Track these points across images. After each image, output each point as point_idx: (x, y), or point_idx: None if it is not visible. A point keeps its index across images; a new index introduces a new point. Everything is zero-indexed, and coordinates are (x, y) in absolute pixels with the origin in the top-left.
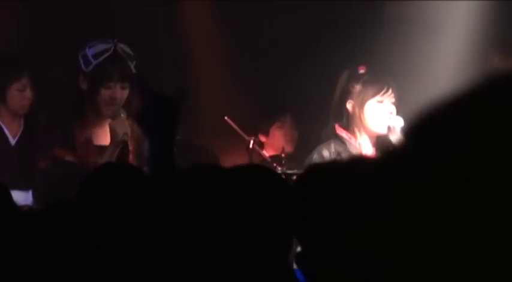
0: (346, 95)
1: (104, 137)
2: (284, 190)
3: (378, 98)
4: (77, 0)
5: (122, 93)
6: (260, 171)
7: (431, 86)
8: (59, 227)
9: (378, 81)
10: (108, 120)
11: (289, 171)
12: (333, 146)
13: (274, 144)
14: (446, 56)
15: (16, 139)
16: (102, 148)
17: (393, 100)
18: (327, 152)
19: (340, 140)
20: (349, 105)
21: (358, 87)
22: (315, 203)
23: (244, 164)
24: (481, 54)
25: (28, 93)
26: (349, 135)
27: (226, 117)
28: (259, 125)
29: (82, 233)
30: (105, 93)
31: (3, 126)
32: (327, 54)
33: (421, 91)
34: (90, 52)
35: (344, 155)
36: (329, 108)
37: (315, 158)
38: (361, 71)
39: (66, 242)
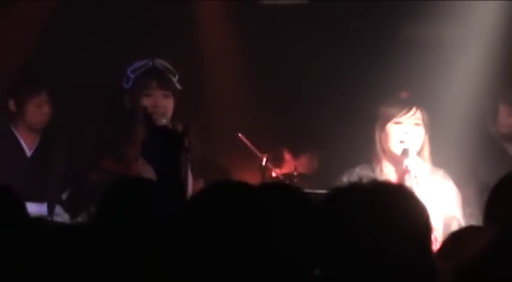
0: (375, 118)
1: None
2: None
3: (396, 119)
4: (93, 16)
5: (164, 101)
6: (287, 189)
7: (450, 106)
8: (71, 241)
9: (398, 103)
10: None
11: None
12: (357, 170)
13: (297, 164)
14: (464, 76)
15: (32, 152)
16: None
17: (417, 121)
18: (350, 176)
19: (369, 164)
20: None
21: (381, 109)
22: (339, 227)
23: (272, 182)
24: (499, 74)
25: (46, 109)
26: (375, 159)
27: (240, 134)
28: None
29: (94, 248)
30: (146, 102)
31: (20, 139)
32: (343, 72)
33: (440, 111)
34: (129, 70)
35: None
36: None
37: (344, 179)
38: (403, 94)
39: (76, 257)
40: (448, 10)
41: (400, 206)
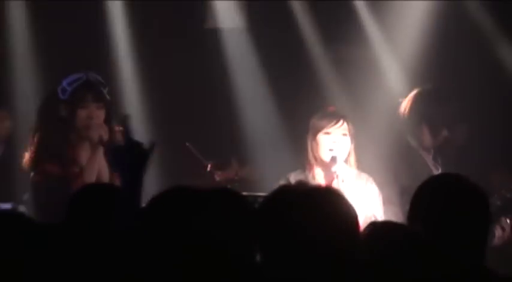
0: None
1: (86, 157)
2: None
3: (325, 130)
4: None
5: (97, 112)
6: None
7: (374, 118)
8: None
9: (327, 116)
10: (86, 140)
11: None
12: (293, 175)
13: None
14: (385, 93)
15: None
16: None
17: (344, 132)
18: (286, 181)
19: (303, 170)
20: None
21: (312, 122)
22: (277, 221)
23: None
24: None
25: (7, 123)
26: (308, 166)
27: (187, 144)
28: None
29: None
30: (81, 113)
31: None
32: (278, 89)
33: (365, 123)
34: (65, 82)
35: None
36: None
37: (281, 183)
38: (330, 109)
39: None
40: (370, 35)
41: (330, 204)
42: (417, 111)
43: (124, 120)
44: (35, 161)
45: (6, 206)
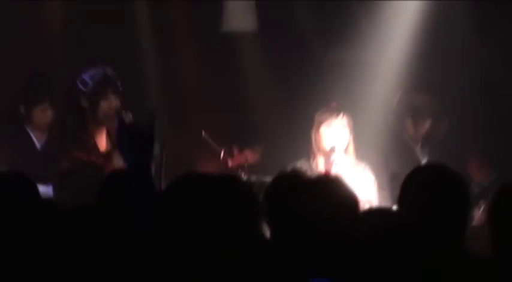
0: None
1: (103, 142)
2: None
3: (327, 123)
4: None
5: (115, 102)
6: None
7: (369, 113)
8: (78, 222)
9: (329, 111)
10: (104, 129)
11: (254, 178)
12: (298, 163)
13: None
14: (378, 90)
15: (41, 144)
16: (107, 152)
17: (344, 125)
18: (294, 167)
19: (307, 158)
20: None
21: (316, 116)
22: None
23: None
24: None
25: (48, 113)
26: (312, 155)
27: (203, 134)
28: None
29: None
30: (104, 104)
31: (32, 135)
32: (286, 88)
33: (362, 117)
34: (86, 76)
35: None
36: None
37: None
38: (333, 104)
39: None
40: (366, 39)
41: (333, 188)
42: (404, 104)
43: (152, 112)
44: (62, 149)
45: (47, 187)
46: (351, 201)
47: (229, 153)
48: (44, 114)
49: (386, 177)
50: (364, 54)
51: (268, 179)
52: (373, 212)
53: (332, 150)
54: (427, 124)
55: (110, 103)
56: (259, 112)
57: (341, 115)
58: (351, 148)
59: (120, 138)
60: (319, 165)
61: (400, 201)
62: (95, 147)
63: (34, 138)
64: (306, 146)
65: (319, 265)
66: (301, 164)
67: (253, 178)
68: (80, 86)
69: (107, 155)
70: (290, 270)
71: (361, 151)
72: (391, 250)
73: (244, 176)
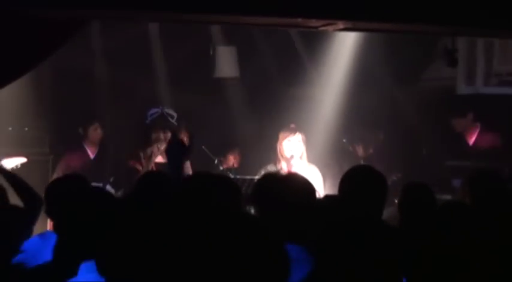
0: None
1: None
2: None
3: (288, 138)
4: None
5: (165, 135)
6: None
7: (319, 132)
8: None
9: (289, 130)
10: (157, 147)
11: (238, 177)
12: (268, 167)
13: (230, 161)
14: (327, 117)
15: (94, 156)
16: (158, 164)
17: (300, 140)
18: (265, 170)
19: (274, 163)
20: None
21: (280, 133)
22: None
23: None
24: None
25: (99, 131)
26: (277, 161)
27: (203, 147)
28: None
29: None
30: (155, 134)
31: (87, 148)
32: (259, 114)
33: (313, 134)
34: (149, 113)
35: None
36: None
37: (262, 172)
38: (292, 125)
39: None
40: (312, 79)
41: (299, 181)
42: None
43: (187, 129)
44: (125, 159)
45: (99, 184)
46: (310, 188)
47: (220, 161)
48: (95, 132)
49: (331, 173)
50: (311, 90)
51: (248, 177)
52: (322, 198)
53: (291, 157)
54: (369, 150)
55: (159, 135)
56: (241, 131)
57: (297, 133)
58: (304, 156)
59: (171, 150)
60: (283, 168)
61: (340, 190)
62: (149, 158)
63: (88, 151)
64: (273, 154)
65: (293, 235)
66: (270, 167)
67: (238, 177)
68: (146, 119)
69: (146, 164)
70: (271, 239)
71: (311, 157)
72: (335, 222)
73: (231, 175)
